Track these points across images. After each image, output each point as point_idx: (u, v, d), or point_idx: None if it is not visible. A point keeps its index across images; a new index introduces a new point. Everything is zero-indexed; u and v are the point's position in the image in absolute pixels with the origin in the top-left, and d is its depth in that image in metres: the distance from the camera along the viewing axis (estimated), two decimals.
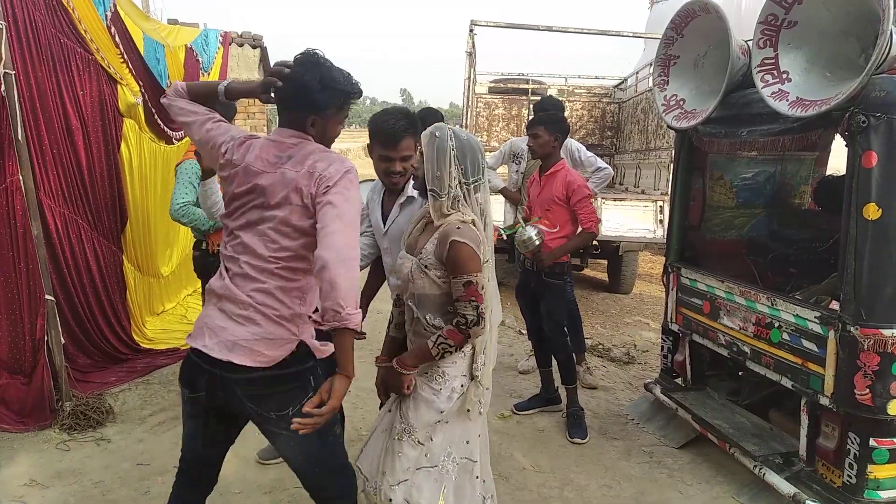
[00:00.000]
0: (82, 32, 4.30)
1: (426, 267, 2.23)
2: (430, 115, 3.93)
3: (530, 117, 5.09)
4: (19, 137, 3.64)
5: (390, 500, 2.22)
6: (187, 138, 5.81)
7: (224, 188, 2.08)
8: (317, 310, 1.94)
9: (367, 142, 2.71)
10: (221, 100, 2.17)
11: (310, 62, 2.02)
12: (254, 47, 8.45)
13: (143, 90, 5.02)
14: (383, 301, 3.02)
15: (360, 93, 2.10)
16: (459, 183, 2.24)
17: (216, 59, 6.91)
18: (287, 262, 1.98)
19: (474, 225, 2.23)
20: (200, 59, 6.54)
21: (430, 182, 2.25)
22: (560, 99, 6.42)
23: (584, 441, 3.82)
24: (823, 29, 2.94)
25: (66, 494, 3.10)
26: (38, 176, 3.90)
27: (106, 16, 4.55)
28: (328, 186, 1.92)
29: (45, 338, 3.83)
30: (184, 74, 5.97)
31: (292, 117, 2.07)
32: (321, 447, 2.11)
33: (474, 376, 2.29)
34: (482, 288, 2.17)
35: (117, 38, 4.67)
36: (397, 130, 2.54)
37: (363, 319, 2.44)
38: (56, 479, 3.22)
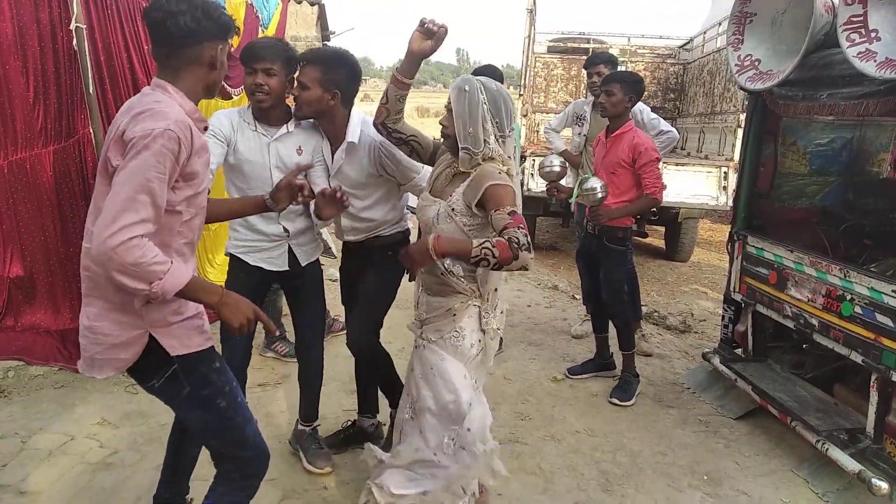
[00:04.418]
0: None
1: (453, 210, 2.20)
2: (489, 73, 3.73)
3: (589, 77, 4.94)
4: (90, 91, 3.73)
5: None
6: (243, 94, 5.88)
7: None
8: None
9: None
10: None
11: None
12: (312, 4, 8.45)
13: None
14: None
15: None
16: (496, 138, 2.18)
17: (275, 15, 6.90)
18: None
19: (508, 175, 2.18)
20: (260, 16, 6.54)
21: (462, 140, 2.17)
22: (622, 59, 6.21)
23: (623, 403, 3.80)
24: None
25: (134, 434, 3.25)
26: (103, 129, 3.99)
27: None
28: (121, 152, 1.63)
29: None
30: (243, 31, 5.98)
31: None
32: (208, 417, 1.99)
33: (485, 330, 2.28)
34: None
35: None
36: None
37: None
38: (125, 420, 3.38)
